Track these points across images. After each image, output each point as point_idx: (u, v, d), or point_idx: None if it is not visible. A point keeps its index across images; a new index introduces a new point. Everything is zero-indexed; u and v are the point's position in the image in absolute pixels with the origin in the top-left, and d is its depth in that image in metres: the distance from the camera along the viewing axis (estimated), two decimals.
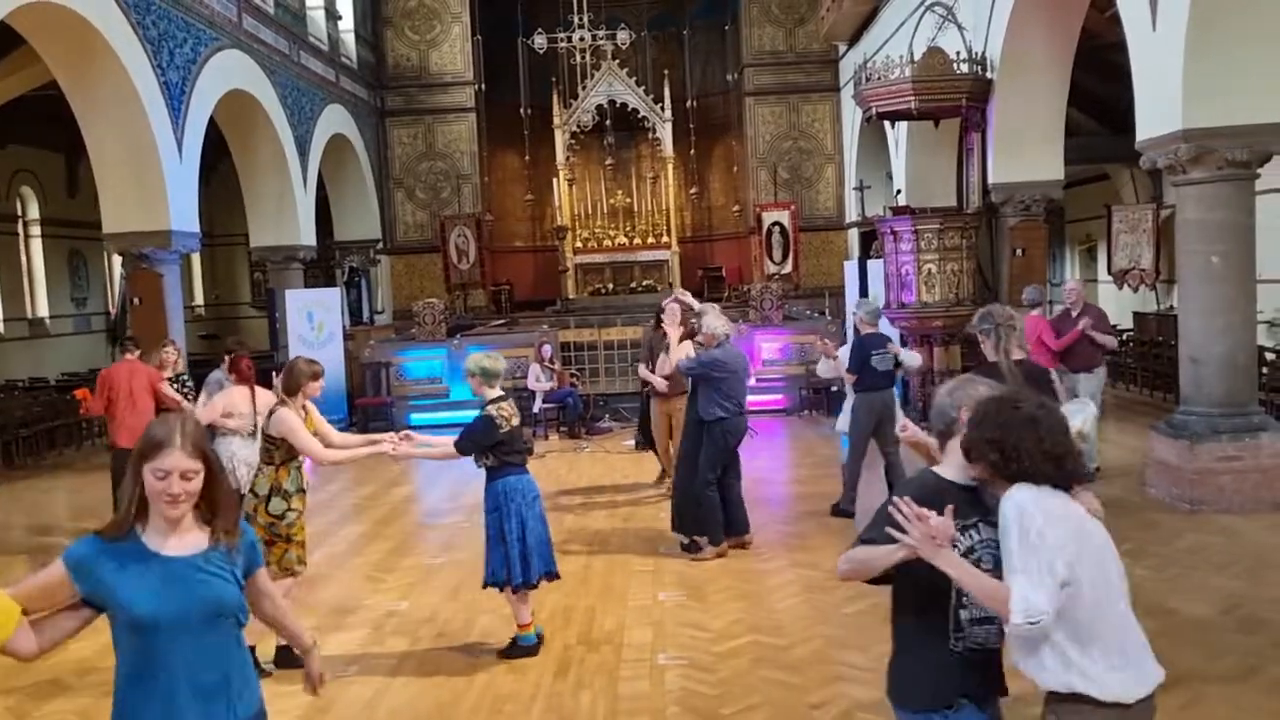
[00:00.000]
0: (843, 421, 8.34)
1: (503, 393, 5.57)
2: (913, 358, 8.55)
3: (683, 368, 7.52)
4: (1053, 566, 2.44)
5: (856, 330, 8.43)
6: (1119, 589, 2.58)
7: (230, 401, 7.26)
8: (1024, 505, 2.51)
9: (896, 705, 2.80)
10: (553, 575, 5.61)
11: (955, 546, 2.58)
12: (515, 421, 5.50)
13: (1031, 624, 2.44)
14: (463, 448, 5.43)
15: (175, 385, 8.79)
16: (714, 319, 7.46)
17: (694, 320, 8.12)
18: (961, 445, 2.67)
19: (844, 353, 8.40)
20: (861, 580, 2.79)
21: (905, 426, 3.39)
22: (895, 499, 2.61)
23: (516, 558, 5.41)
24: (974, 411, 2.67)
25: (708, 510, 7.29)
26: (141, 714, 2.46)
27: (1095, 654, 2.52)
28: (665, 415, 9.12)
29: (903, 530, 2.54)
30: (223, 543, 2.54)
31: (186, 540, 2.52)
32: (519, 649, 5.51)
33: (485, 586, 5.59)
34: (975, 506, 2.68)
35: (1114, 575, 2.58)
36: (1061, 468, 2.55)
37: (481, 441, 5.41)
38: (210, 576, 2.50)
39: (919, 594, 2.67)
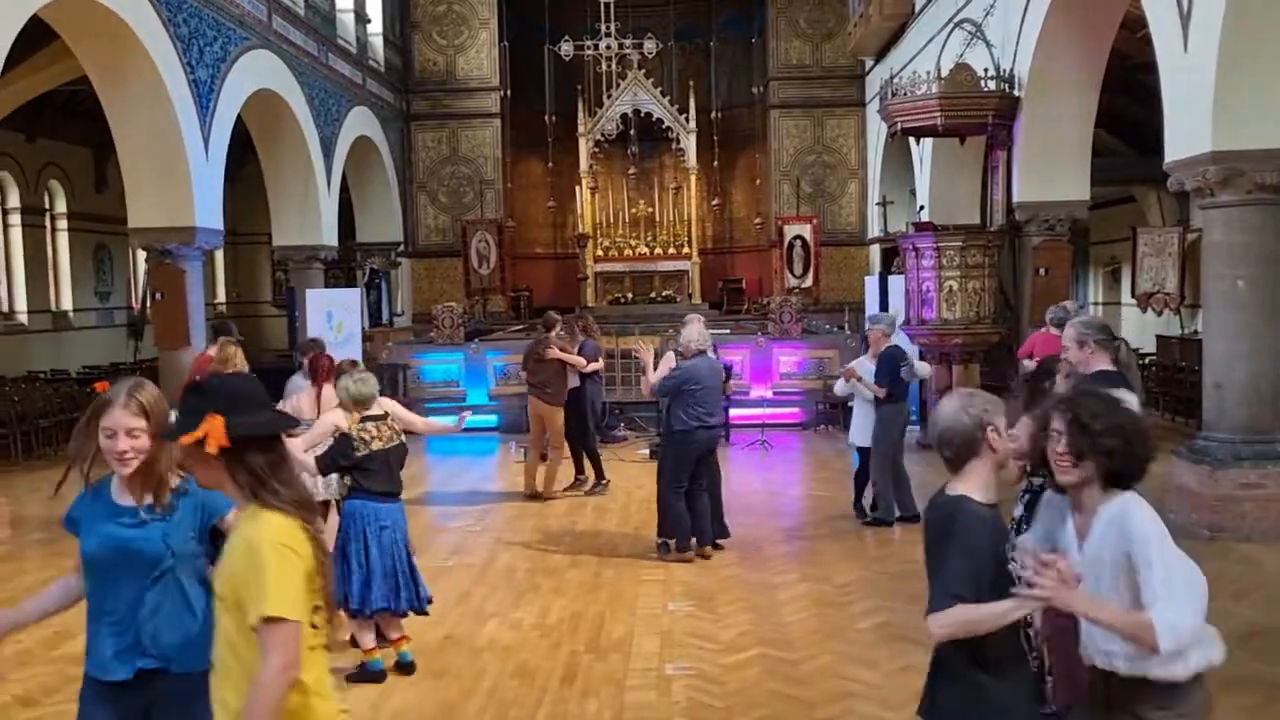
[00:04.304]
0: (862, 435, 8.37)
1: (379, 413, 5.38)
2: (924, 368, 8.85)
3: (658, 389, 7.47)
4: (1192, 580, 2.45)
5: (866, 343, 8.45)
6: None
7: (296, 407, 6.92)
8: (1159, 525, 2.48)
9: None
10: (400, 612, 5.32)
11: (1011, 564, 2.59)
12: (380, 446, 5.24)
13: (1181, 648, 2.43)
14: (320, 466, 5.30)
15: None
16: (692, 330, 7.53)
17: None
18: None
19: (858, 366, 8.51)
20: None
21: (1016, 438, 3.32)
22: (1019, 553, 2.57)
23: (357, 584, 5.18)
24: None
25: (672, 516, 7.41)
26: (90, 648, 2.80)
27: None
28: (538, 418, 9.66)
29: (1029, 585, 2.43)
30: (150, 501, 2.77)
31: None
32: (365, 674, 5.28)
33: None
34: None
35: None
36: (1148, 465, 2.57)
37: (335, 460, 5.23)
38: (138, 528, 2.74)
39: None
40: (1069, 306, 9.27)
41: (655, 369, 7.54)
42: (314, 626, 2.32)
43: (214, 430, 2.27)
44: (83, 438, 2.72)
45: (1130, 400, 2.60)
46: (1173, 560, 2.42)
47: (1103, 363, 4.29)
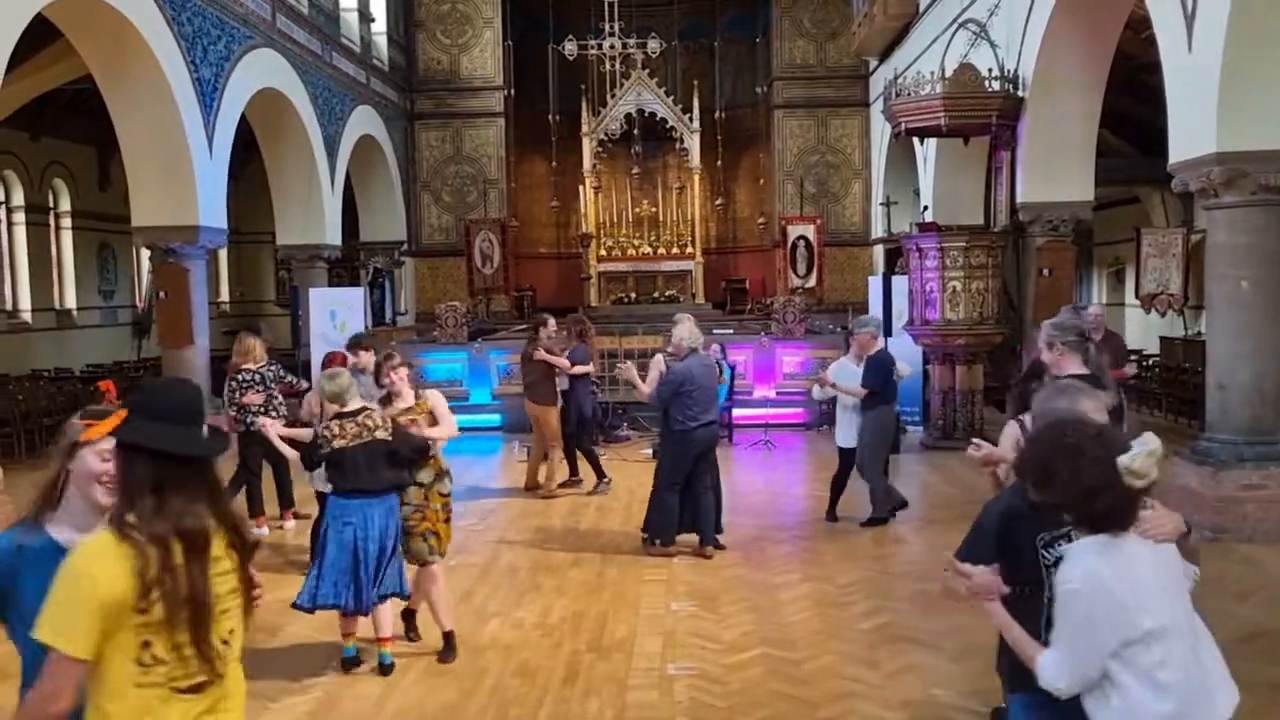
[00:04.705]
0: (846, 437, 8.44)
1: (354, 409, 5.34)
2: (906, 366, 8.84)
3: (656, 398, 7.55)
4: (1098, 648, 2.41)
5: (848, 346, 8.42)
6: (1184, 623, 2.50)
7: (309, 404, 7.00)
8: (1080, 582, 2.43)
9: (1014, 690, 2.86)
10: (347, 612, 5.28)
11: (1043, 559, 2.71)
12: (344, 444, 5.21)
13: (1056, 693, 2.49)
14: (304, 461, 5.46)
15: (254, 379, 8.49)
16: (683, 329, 7.59)
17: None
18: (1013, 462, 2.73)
19: (834, 370, 8.61)
20: None
21: (980, 446, 3.51)
22: (981, 530, 2.79)
23: (310, 578, 5.24)
24: (1032, 433, 2.72)
25: (663, 513, 7.50)
26: None
27: (1156, 685, 2.44)
28: (534, 418, 9.95)
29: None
30: None
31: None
32: (343, 664, 5.37)
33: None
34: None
35: (1179, 609, 2.51)
36: (1093, 503, 2.44)
37: (310, 457, 5.33)
38: None
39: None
40: (1093, 310, 9.27)
41: (645, 379, 7.60)
42: (142, 664, 2.12)
43: (107, 424, 2.18)
44: (62, 459, 2.47)
45: (1138, 447, 2.40)
46: (1081, 624, 2.42)
47: (1074, 365, 4.32)
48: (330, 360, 7.18)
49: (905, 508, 8.43)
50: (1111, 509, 2.44)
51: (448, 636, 5.56)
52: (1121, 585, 2.40)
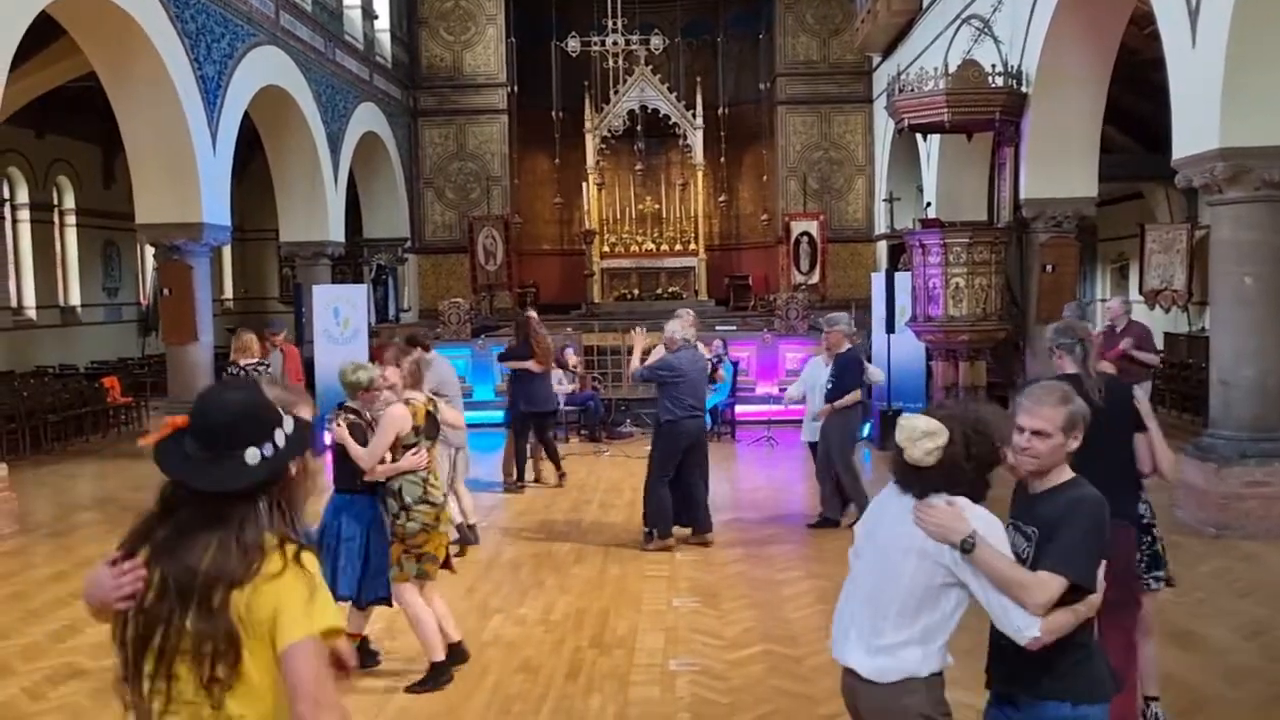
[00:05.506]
0: (814, 432, 8.51)
1: (348, 405, 5.28)
2: (877, 372, 9.04)
3: (638, 375, 7.75)
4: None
5: (828, 346, 8.37)
6: (856, 580, 2.94)
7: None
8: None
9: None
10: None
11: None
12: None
13: None
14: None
15: (236, 375, 8.55)
16: (675, 324, 7.73)
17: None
18: None
19: (810, 370, 8.62)
20: None
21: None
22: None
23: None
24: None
25: (657, 505, 7.64)
26: None
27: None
28: None
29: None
30: None
31: None
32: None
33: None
34: (1029, 510, 2.87)
35: (858, 567, 2.95)
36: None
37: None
38: None
39: None
40: (1115, 306, 9.23)
41: (645, 359, 7.79)
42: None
43: (163, 430, 2.06)
44: None
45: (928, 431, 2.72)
46: None
47: (1069, 366, 4.43)
48: (378, 351, 7.34)
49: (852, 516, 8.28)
50: (893, 467, 2.86)
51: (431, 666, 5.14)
52: (869, 512, 3.04)
